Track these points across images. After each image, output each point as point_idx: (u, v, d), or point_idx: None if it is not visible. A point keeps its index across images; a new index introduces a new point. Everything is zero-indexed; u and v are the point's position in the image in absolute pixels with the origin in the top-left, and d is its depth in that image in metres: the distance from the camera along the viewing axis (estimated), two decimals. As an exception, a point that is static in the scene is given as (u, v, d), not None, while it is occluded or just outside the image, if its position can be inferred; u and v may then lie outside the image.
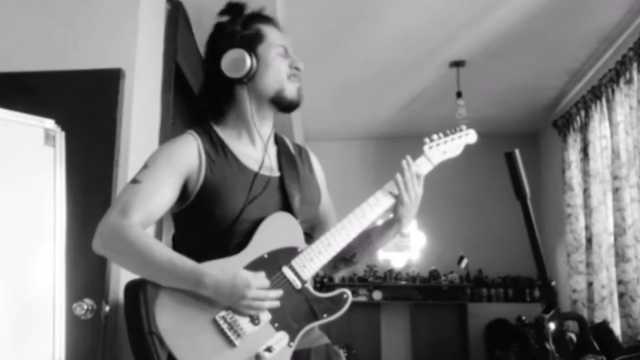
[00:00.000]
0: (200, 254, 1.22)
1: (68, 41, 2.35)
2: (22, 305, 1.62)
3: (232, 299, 1.16)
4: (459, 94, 4.69)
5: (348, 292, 1.29)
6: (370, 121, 6.19)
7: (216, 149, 1.34)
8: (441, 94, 5.09)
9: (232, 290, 1.15)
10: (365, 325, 6.12)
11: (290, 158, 1.43)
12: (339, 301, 1.28)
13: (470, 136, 1.47)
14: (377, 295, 6.19)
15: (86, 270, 1.94)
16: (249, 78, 1.34)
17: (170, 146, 1.34)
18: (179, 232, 1.38)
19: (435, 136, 1.42)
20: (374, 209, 1.33)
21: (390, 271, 6.33)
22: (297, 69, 1.39)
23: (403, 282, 6.23)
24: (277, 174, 1.37)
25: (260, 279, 1.18)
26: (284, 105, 1.38)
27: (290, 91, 1.37)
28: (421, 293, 6.17)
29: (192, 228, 1.33)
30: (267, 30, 1.38)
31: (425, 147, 1.40)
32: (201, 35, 3.42)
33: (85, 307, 1.93)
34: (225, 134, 1.38)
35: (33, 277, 1.66)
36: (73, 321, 1.86)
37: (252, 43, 1.35)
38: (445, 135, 1.44)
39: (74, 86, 2.18)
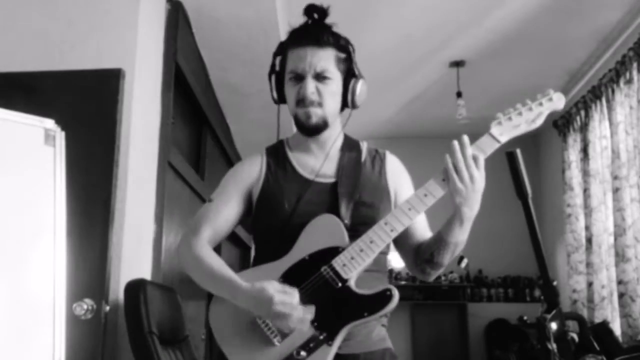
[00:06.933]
0: (263, 262, 1.32)
1: (68, 41, 2.34)
2: (22, 305, 1.62)
3: (261, 311, 1.22)
4: (459, 94, 4.69)
5: (393, 288, 1.22)
6: (370, 121, 6.18)
7: (277, 160, 1.42)
8: (441, 94, 5.08)
9: (257, 304, 1.21)
10: (365, 326, 6.12)
11: (353, 163, 1.41)
12: (381, 299, 1.22)
13: (555, 101, 1.25)
14: (377, 295, 6.18)
15: (86, 270, 1.94)
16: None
17: (239, 164, 1.48)
18: (254, 244, 1.45)
19: (510, 109, 1.28)
20: (423, 200, 1.26)
21: (390, 271, 6.32)
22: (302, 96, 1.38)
23: (403, 282, 6.22)
24: (332, 179, 1.38)
25: (284, 294, 1.19)
26: (300, 129, 1.41)
27: (300, 117, 1.38)
28: (421, 293, 6.16)
29: (257, 238, 1.42)
30: (290, 55, 1.41)
31: (493, 124, 1.27)
32: (201, 35, 3.41)
33: (85, 307, 1.93)
34: (294, 142, 1.46)
35: (33, 277, 1.65)
36: (73, 321, 1.86)
37: (279, 73, 1.44)
38: (524, 105, 1.27)
39: (74, 86, 2.17)
